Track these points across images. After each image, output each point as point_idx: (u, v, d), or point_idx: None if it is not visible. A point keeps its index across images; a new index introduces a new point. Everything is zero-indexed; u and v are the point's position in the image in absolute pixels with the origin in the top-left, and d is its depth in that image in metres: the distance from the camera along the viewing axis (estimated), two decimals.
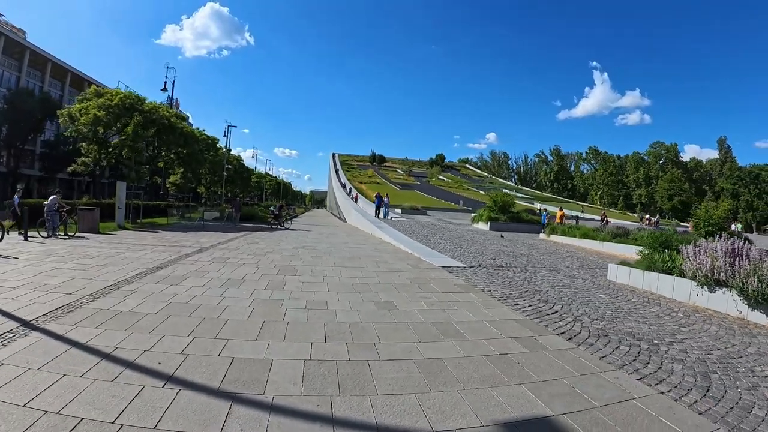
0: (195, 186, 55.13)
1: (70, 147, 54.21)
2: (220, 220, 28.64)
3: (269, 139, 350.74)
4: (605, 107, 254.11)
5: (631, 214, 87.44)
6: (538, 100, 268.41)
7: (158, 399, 3.43)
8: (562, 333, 5.66)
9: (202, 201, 54.46)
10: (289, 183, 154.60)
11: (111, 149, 31.76)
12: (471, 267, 10.87)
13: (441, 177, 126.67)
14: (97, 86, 40.90)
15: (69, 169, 34.94)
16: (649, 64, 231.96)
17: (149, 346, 4.58)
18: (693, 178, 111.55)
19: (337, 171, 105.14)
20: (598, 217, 37.99)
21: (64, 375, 3.75)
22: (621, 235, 18.83)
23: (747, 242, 14.76)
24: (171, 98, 35.26)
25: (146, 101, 31.37)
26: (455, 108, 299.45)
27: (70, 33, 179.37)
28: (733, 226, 37.23)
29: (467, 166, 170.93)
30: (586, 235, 20.21)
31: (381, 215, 30.62)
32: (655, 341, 5.60)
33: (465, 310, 6.49)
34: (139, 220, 24.48)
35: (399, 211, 40.17)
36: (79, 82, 67.34)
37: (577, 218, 43.18)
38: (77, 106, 29.19)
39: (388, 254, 13.34)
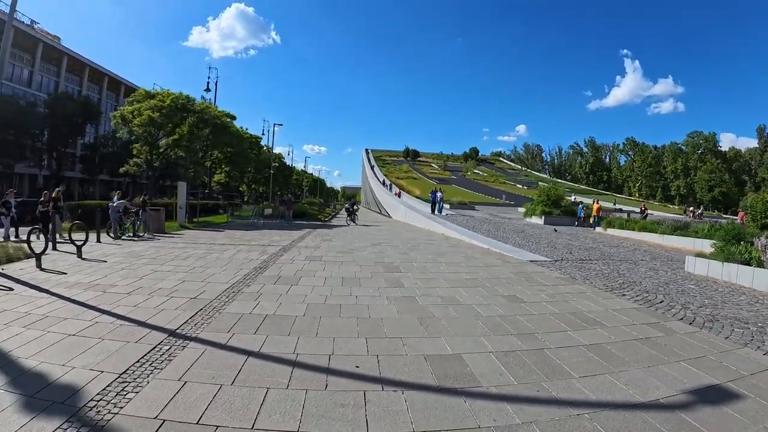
0: (238, 185, 56.39)
1: (110, 149, 55.87)
2: (274, 218, 28.80)
3: (299, 136, 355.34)
4: (637, 96, 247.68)
5: (671, 206, 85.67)
6: (567, 90, 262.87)
7: (392, 403, 3.47)
8: (680, 319, 6.32)
9: (245, 199, 55.81)
10: (324, 180, 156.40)
11: (162, 150, 32.58)
12: (555, 261, 11.51)
13: (476, 171, 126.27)
14: (134, 89, 42.17)
15: (121, 170, 35.38)
16: (682, 50, 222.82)
17: (329, 350, 4.58)
18: (732, 168, 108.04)
19: (372, 167, 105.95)
20: (637, 209, 37.77)
21: (268, 388, 3.65)
22: (681, 228, 19.07)
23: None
24: (215, 98, 34.98)
25: (196, 102, 31.88)
26: (483, 101, 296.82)
27: (99, 38, 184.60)
28: None
29: (501, 159, 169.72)
30: (644, 228, 20.50)
31: (436, 211, 30.41)
32: (759, 324, 6.23)
33: (585, 301, 7.13)
34: (195, 219, 24.51)
35: (448, 206, 40.66)
36: (116, 85, 68.91)
37: (620, 210, 43.01)
38: (128, 108, 30.00)
39: (469, 250, 13.86)
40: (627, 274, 10.11)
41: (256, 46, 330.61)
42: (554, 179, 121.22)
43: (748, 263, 9.91)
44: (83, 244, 10.78)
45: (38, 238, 10.87)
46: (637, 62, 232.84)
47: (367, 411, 3.30)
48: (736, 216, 63.98)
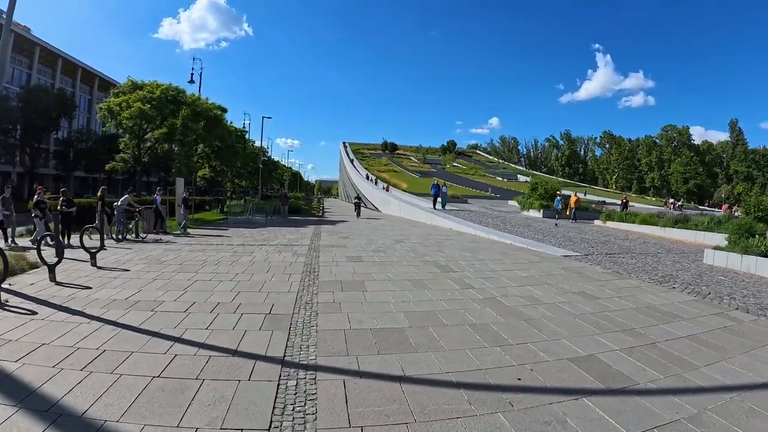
0: (221, 180, 55.64)
1: (85, 144, 54.49)
2: (262, 214, 28.01)
3: (272, 129, 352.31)
4: (608, 89, 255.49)
5: (647, 197, 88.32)
6: (540, 83, 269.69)
7: (587, 412, 3.47)
8: (736, 309, 7.03)
9: (228, 194, 55.54)
10: (301, 174, 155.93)
11: (150, 145, 31.62)
12: (586, 255, 12.20)
13: (455, 164, 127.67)
14: (109, 82, 40.81)
15: (107, 167, 34.48)
16: (652, 45, 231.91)
17: (476, 364, 4.40)
18: (705, 161, 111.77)
19: (352, 161, 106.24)
20: (618, 201, 39.04)
21: (468, 417, 3.36)
22: (681, 221, 20.14)
23: None
24: (199, 90, 33.94)
25: (186, 94, 30.98)
26: (456, 94, 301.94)
27: (69, 29, 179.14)
28: None
29: (478, 152, 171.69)
30: (645, 221, 21.51)
31: (438, 206, 29.38)
32: None
33: (648, 295, 7.77)
34: (190, 217, 22.90)
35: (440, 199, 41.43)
36: (90, 78, 67.39)
37: (603, 202, 44.28)
38: (115, 99, 28.73)
39: (495, 246, 14.34)
40: (659, 267, 10.86)
41: (228, 38, 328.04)
42: (530, 171, 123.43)
43: (765, 255, 10.77)
44: (99, 251, 9.95)
45: (66, 239, 10.96)
46: (608, 56, 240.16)
47: (574, 425, 3.30)
48: (718, 208, 66.69)
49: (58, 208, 13.29)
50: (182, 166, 29.93)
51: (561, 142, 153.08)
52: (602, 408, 3.56)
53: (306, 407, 3.43)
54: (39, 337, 4.91)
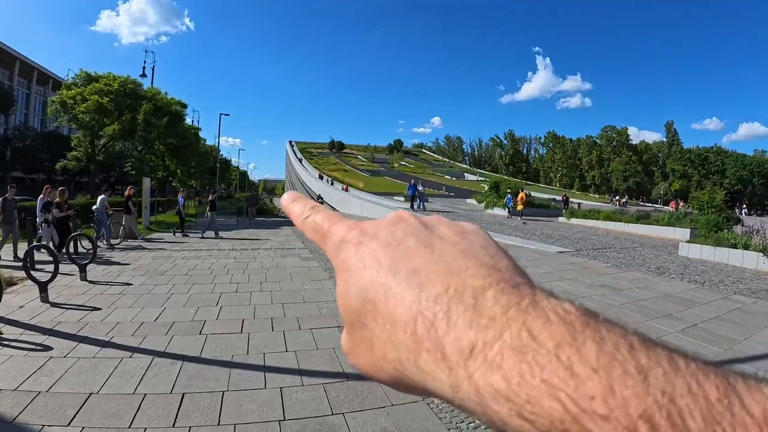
0: (172, 180, 54.13)
1: (24, 142, 51.71)
2: (234, 216, 27.31)
3: (213, 127, 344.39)
4: (547, 91, 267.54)
5: (591, 195, 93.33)
6: (481, 84, 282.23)
7: None
8: (734, 293, 8.35)
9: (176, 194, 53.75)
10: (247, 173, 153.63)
11: (106, 142, 29.87)
12: (577, 251, 13.47)
13: (403, 163, 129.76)
14: (49, 76, 38.31)
15: (58, 166, 32.82)
16: (590, 49, 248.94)
17: None
18: (643, 160, 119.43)
19: (301, 160, 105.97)
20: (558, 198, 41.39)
21: None
22: (643, 217, 22.03)
23: (732, 220, 18.29)
24: (151, 83, 32.49)
25: (144, 87, 29.51)
26: (399, 93, 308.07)
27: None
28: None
29: (424, 150, 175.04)
30: (609, 218, 23.29)
31: (416, 206, 28.30)
32: (766, 289, 8.51)
33: (658, 285, 8.95)
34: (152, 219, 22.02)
35: (402, 198, 42.45)
36: (29, 70, 63.77)
37: (554, 200, 46.67)
38: (68, 92, 26.75)
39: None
40: (647, 260, 12.26)
41: (169, 33, 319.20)
42: (475, 170, 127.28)
43: (734, 246, 12.34)
44: (90, 262, 8.91)
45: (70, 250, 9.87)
46: (548, 59, 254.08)
47: None
48: (657, 204, 71.71)
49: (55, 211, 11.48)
50: (144, 165, 29.00)
51: (505, 142, 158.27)
52: None
53: None
54: (77, 384, 3.88)
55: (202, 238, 16.25)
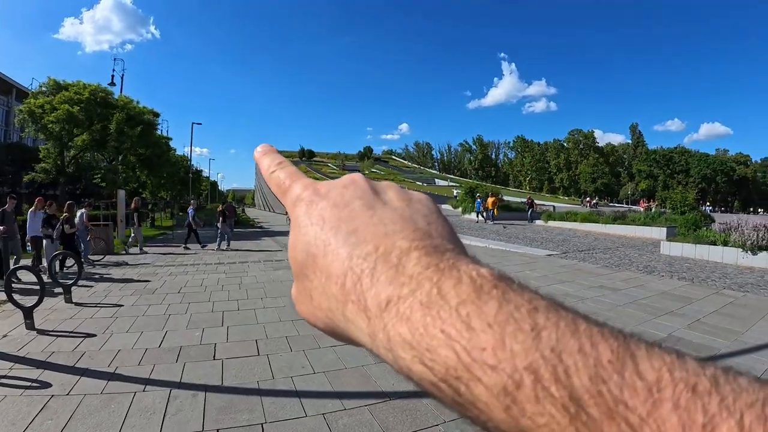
0: (142, 192, 52.69)
1: None
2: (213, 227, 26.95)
3: (180, 137, 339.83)
4: (513, 96, 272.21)
5: (560, 197, 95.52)
6: (448, 90, 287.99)
7: None
8: (724, 288, 8.82)
9: (149, 207, 52.67)
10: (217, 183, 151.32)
11: (75, 153, 28.79)
12: (564, 253, 13.89)
13: (373, 170, 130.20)
14: (12, 84, 36.52)
15: (26, 178, 31.45)
16: (554, 55, 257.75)
17: None
18: (609, 161, 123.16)
19: None
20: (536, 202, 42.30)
21: None
22: (619, 218, 22.78)
23: (707, 218, 19.12)
24: (120, 91, 31.21)
25: (114, 96, 28.40)
26: (367, 100, 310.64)
27: None
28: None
29: (393, 157, 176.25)
30: (586, 219, 24.02)
31: None
32: (752, 281, 9.23)
33: (651, 283, 9.35)
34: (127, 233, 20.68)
35: None
36: None
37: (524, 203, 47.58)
38: (35, 101, 25.60)
39: (477, 249, 15.74)
40: (634, 259, 12.78)
41: (134, 41, 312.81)
42: (445, 175, 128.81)
43: (714, 243, 12.93)
44: (75, 282, 8.12)
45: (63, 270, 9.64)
46: (513, 65, 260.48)
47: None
48: (626, 204, 73.88)
49: (66, 227, 10.83)
50: (116, 176, 28.19)
51: (474, 147, 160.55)
52: None
53: None
54: (91, 427, 3.45)
55: (220, 250, 15.76)
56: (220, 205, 18.07)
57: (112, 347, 5.24)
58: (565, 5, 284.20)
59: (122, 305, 7.44)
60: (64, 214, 10.95)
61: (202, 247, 16.34)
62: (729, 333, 5.97)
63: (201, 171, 76.77)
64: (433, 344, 0.23)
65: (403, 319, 0.25)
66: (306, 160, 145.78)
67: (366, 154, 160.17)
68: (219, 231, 16.14)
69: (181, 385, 4.18)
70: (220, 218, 16.06)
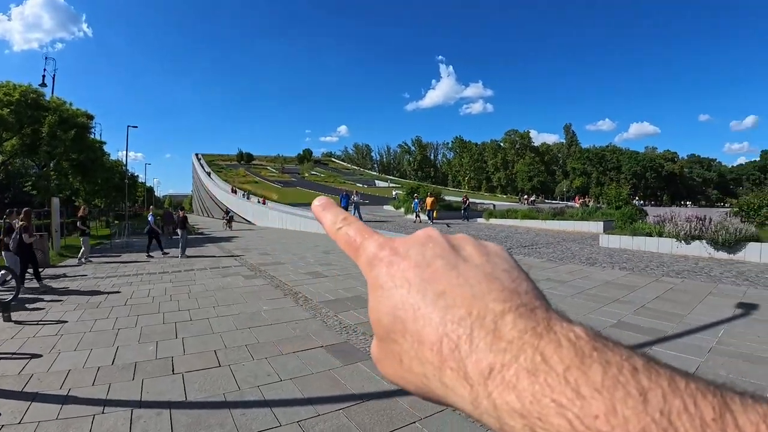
0: (75, 200, 50.03)
1: None
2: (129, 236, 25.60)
3: (114, 141, 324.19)
4: (451, 98, 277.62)
5: (498, 195, 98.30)
6: (386, 92, 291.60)
7: None
8: (663, 275, 9.33)
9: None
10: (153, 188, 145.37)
11: (3, 159, 27.24)
12: (509, 249, 14.04)
13: (313, 172, 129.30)
14: None
15: None
16: (490, 57, 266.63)
17: None
18: (545, 160, 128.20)
19: (209, 174, 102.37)
20: (474, 201, 43.43)
21: None
22: (558, 214, 23.62)
23: (641, 212, 20.21)
24: (52, 92, 29.04)
25: (46, 97, 26.51)
26: (305, 103, 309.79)
27: None
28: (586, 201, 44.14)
29: (333, 159, 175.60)
30: (527, 216, 24.84)
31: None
32: (705, 271, 9.69)
33: (596, 274, 9.76)
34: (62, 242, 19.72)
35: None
36: None
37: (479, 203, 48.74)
38: None
39: None
40: (576, 252, 13.27)
41: (65, 39, 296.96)
42: (385, 176, 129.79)
43: (650, 235, 13.63)
44: (13, 298, 7.75)
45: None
46: (450, 67, 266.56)
47: (677, 364, 5.15)
48: (562, 201, 76.98)
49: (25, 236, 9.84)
50: (49, 183, 26.52)
51: (413, 148, 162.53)
52: (669, 349, 5.07)
53: None
54: None
55: (186, 257, 15.32)
56: (181, 212, 17.73)
57: (61, 368, 4.85)
58: (499, 10, 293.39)
59: (66, 321, 6.91)
60: (21, 223, 9.89)
61: (163, 254, 15.94)
62: (673, 316, 6.28)
63: (137, 176, 73.47)
64: (544, 413, 0.23)
65: (510, 387, 0.25)
66: (245, 163, 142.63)
67: (305, 156, 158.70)
68: (181, 238, 16.04)
69: (142, 404, 3.93)
70: (178, 227, 16.28)
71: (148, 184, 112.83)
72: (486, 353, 0.26)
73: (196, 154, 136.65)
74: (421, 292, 0.30)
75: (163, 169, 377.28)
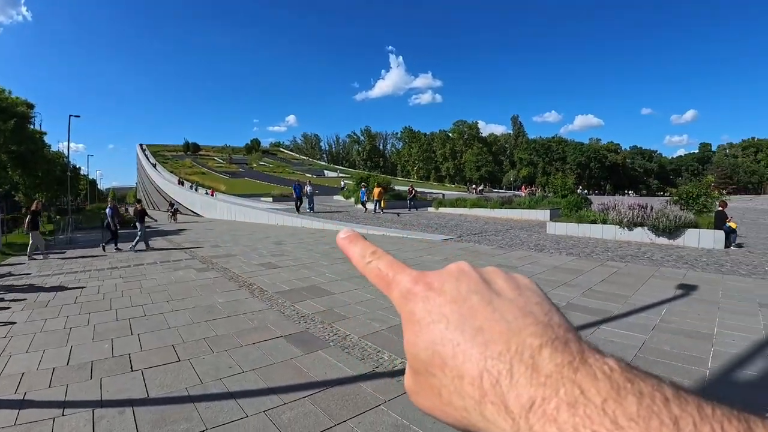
0: (14, 193, 47.36)
1: None
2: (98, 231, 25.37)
3: (55, 132, 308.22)
4: (400, 88, 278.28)
5: (447, 185, 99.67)
6: (336, 82, 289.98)
7: None
8: (608, 260, 9.70)
9: (23, 211, 47.47)
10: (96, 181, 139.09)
11: None
12: (460, 237, 14.44)
13: (262, 163, 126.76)
14: None
15: None
16: (440, 48, 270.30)
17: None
18: (492, 150, 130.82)
19: (155, 165, 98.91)
20: (422, 190, 44.00)
21: None
22: (506, 203, 24.20)
23: (586, 200, 20.97)
24: None
25: None
26: (253, 92, 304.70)
27: None
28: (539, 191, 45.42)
29: (282, 149, 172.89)
30: (475, 205, 25.32)
31: (306, 207, 27.21)
32: (648, 255, 10.14)
33: (545, 259, 10.07)
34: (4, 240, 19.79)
35: (270, 199, 41.86)
36: None
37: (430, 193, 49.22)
38: None
39: (377, 238, 15.96)
40: (524, 239, 13.63)
41: (2, 24, 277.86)
42: (334, 166, 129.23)
43: (594, 222, 14.16)
44: None
45: None
46: (401, 58, 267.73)
47: (616, 340, 5.43)
48: (509, 190, 78.89)
49: None
50: None
51: (362, 138, 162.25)
52: (616, 327, 5.31)
53: None
54: None
55: (152, 249, 15.10)
56: (138, 205, 17.17)
57: (14, 371, 4.58)
58: (449, 1, 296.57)
59: (14, 322, 6.54)
60: None
61: (116, 249, 15.37)
62: (619, 297, 6.56)
63: (79, 169, 70.08)
64: None
65: (551, 419, 0.26)
66: (191, 154, 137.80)
67: (253, 146, 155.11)
68: (140, 231, 15.61)
69: (103, 404, 3.77)
70: (137, 220, 15.89)
71: (90, 177, 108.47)
72: (526, 387, 0.27)
73: (141, 145, 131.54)
74: (460, 328, 0.31)
75: (106, 160, 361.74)
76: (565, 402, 0.26)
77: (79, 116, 34.67)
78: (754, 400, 3.55)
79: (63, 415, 3.60)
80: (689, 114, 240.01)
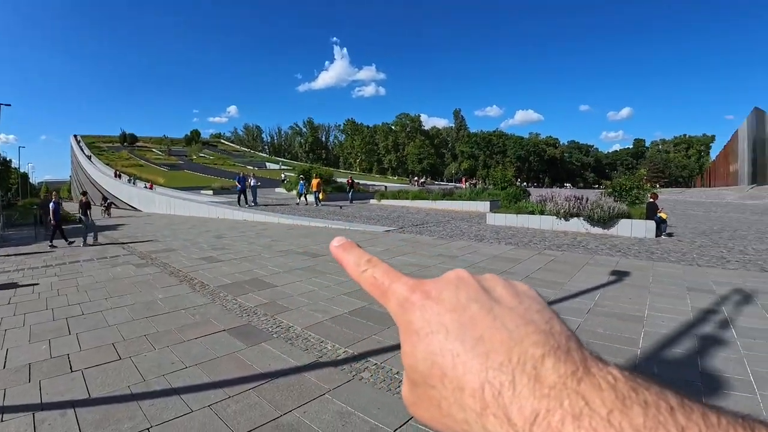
0: None
1: None
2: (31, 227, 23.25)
3: None
4: (343, 80, 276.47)
5: (389, 177, 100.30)
6: (278, 73, 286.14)
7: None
8: (546, 249, 9.98)
9: None
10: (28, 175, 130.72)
11: None
12: (401, 228, 14.50)
13: (202, 155, 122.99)
14: None
15: None
16: (384, 41, 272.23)
17: None
18: (435, 143, 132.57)
19: (90, 157, 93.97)
20: (365, 182, 44.29)
21: None
22: (447, 195, 24.55)
23: (525, 192, 21.64)
24: None
25: None
26: (192, 81, 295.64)
27: None
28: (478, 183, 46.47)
29: (222, 141, 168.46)
30: (417, 197, 25.59)
31: (249, 201, 26.50)
32: (583, 245, 10.49)
33: (485, 249, 10.24)
34: None
35: (211, 192, 40.76)
36: None
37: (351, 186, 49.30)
38: None
39: (319, 231, 15.75)
40: (465, 230, 13.84)
41: None
42: (276, 158, 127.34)
43: (533, 213, 14.57)
44: None
45: None
46: (345, 49, 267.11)
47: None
48: (451, 182, 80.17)
49: None
50: None
51: (304, 130, 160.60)
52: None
53: None
54: None
55: (98, 243, 14.61)
56: (83, 197, 16.24)
57: None
58: None
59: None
60: None
61: (50, 247, 14.43)
62: (555, 284, 6.75)
63: (9, 162, 65.68)
64: None
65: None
66: (128, 145, 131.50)
67: (193, 138, 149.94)
68: (86, 224, 15.08)
69: (43, 406, 3.58)
70: (81, 212, 15.28)
71: (21, 170, 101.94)
72: (530, 399, 0.27)
73: (75, 136, 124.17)
74: (460, 338, 0.30)
75: (38, 152, 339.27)
76: (569, 414, 0.25)
77: (9, 105, 32.21)
78: (681, 376, 3.70)
79: (2, 420, 3.44)
80: (625, 111, 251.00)
